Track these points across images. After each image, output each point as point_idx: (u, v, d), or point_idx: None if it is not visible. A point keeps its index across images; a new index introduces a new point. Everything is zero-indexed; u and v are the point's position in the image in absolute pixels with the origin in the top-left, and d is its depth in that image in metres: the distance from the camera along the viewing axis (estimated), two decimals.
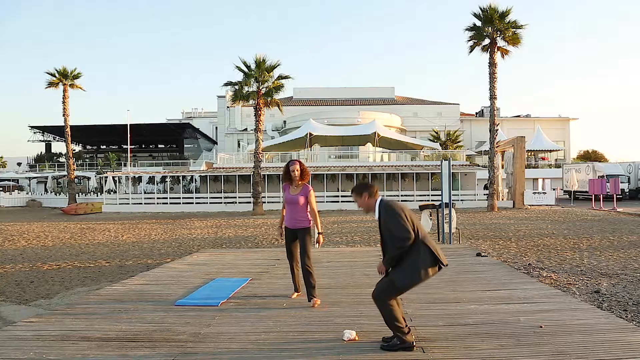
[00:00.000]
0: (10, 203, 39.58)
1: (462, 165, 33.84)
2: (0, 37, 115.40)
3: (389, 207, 3.94)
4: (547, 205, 29.65)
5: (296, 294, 5.86)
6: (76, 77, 34.87)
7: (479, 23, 26.06)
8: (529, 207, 28.15)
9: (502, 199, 29.80)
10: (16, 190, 42.74)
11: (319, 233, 5.67)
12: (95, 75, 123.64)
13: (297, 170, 5.62)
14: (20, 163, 56.64)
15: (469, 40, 26.60)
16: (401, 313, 4.00)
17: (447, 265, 4.03)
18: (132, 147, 51.56)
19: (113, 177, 36.27)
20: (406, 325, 3.97)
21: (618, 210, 24.30)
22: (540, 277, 8.30)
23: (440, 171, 12.86)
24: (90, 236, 17.84)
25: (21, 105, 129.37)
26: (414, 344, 3.92)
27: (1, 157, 58.44)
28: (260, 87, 27.50)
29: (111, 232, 19.07)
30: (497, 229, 16.85)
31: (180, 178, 36.08)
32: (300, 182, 5.67)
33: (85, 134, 56.81)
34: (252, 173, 29.21)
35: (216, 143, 58.90)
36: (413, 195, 30.62)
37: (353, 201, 4.31)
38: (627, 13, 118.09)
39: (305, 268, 5.50)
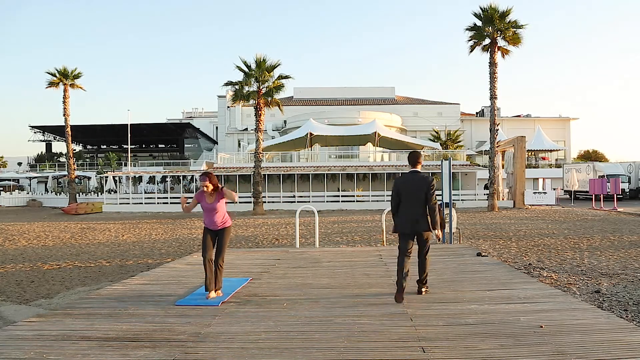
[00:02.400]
0: (11, 203, 39.59)
1: (462, 165, 33.81)
2: (0, 37, 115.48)
3: (394, 182, 5.74)
4: (547, 205, 29.62)
5: (214, 293, 5.80)
6: (76, 77, 34.85)
7: (479, 23, 26.05)
8: (529, 207, 28.14)
9: (503, 199, 29.79)
10: (17, 190, 42.73)
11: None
12: (95, 75, 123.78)
13: (207, 187, 5.78)
14: (21, 163, 56.69)
15: (470, 40, 26.59)
16: (404, 269, 5.41)
17: (409, 232, 5.55)
18: (133, 147, 51.60)
19: (113, 177, 36.29)
20: (399, 283, 5.38)
21: (618, 210, 24.29)
22: (541, 277, 8.30)
23: (440, 171, 12.86)
24: (90, 236, 17.85)
25: (21, 105, 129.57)
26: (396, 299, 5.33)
27: (1, 157, 58.42)
28: (261, 87, 27.51)
29: (112, 232, 19.07)
30: (498, 229, 16.85)
31: (181, 178, 36.09)
32: (212, 192, 5.83)
33: (86, 134, 56.91)
34: (252, 173, 29.23)
35: (216, 143, 58.93)
36: None
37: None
38: (628, 13, 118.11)
39: (219, 265, 5.84)
